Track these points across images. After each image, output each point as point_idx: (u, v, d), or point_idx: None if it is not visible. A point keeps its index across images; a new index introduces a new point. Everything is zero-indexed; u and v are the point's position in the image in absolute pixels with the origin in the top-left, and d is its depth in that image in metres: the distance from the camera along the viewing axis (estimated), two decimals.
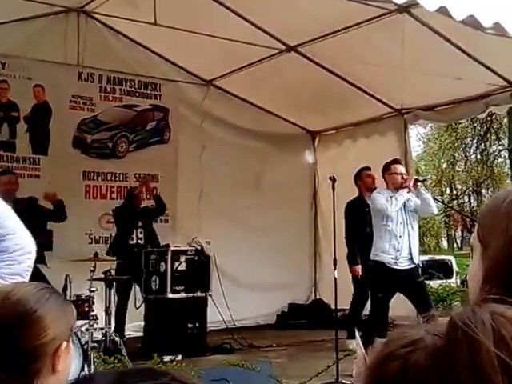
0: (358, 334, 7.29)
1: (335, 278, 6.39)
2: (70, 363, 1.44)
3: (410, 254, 5.83)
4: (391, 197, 5.92)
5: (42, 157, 7.90)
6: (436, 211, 6.05)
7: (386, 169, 6.21)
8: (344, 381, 5.19)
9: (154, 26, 6.74)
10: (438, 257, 16.09)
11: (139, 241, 7.31)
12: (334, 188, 6.80)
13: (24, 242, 2.72)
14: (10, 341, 1.34)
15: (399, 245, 5.81)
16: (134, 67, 8.59)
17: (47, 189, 7.12)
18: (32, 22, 7.65)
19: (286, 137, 9.93)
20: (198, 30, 7.11)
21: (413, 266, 5.82)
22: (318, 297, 9.91)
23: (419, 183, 6.06)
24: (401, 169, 6.15)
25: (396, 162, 6.32)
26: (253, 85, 8.86)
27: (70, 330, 1.43)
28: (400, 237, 5.83)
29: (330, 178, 6.78)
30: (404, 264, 5.80)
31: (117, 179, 8.50)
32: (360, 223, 7.04)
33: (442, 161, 22.17)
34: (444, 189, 24.12)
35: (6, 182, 6.41)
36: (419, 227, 6.47)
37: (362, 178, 7.38)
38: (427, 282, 10.56)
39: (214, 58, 8.32)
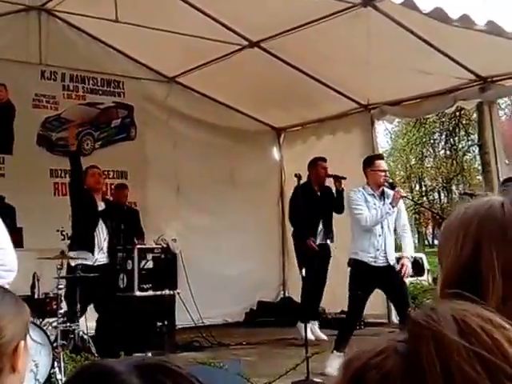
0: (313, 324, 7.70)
1: (303, 277, 6.64)
2: (27, 362, 1.49)
3: (385, 252, 6.00)
4: (370, 195, 6.01)
5: (7, 156, 8.14)
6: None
7: (369, 164, 6.13)
8: (315, 379, 5.30)
9: (116, 23, 6.93)
10: None
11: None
12: (299, 184, 7.12)
13: (10, 259, 2.99)
14: None
15: (378, 244, 5.96)
16: (97, 65, 8.82)
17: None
18: None
19: (252, 133, 10.19)
20: (160, 26, 7.30)
21: (388, 264, 5.99)
22: (287, 295, 10.21)
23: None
24: (384, 166, 6.16)
25: (380, 157, 6.38)
26: (216, 81, 9.05)
27: (26, 329, 1.46)
28: (379, 235, 5.98)
29: (296, 175, 6.99)
30: (381, 261, 5.98)
31: None
32: (305, 206, 7.40)
33: (411, 157, 22.52)
34: (413, 185, 24.54)
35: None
36: None
37: (317, 168, 7.72)
38: None
39: (176, 54, 8.52)
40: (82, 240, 6.61)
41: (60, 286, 5.51)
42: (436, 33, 6.65)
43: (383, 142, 21.76)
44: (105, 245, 6.81)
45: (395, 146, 23.48)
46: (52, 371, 5.05)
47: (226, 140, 9.93)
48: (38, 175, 8.16)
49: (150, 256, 7.23)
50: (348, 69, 7.76)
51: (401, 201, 6.19)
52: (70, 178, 7.09)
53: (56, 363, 5.10)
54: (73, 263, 6.25)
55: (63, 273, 5.81)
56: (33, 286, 5.51)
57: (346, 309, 8.81)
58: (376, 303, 7.42)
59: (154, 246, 7.43)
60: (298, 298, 8.53)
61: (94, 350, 5.73)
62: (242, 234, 9.66)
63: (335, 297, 8.12)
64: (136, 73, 9.24)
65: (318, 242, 7.72)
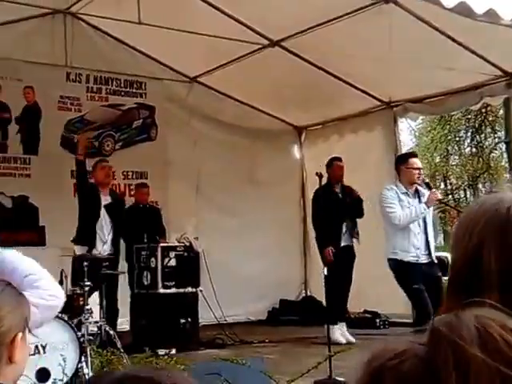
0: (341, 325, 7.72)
1: (325, 275, 6.67)
2: (27, 354, 1.51)
3: (428, 249, 5.93)
4: (404, 193, 5.97)
5: (33, 156, 8.51)
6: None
7: (403, 161, 6.14)
8: (337, 377, 5.30)
9: (139, 25, 7.17)
10: None
11: None
12: (320, 184, 7.25)
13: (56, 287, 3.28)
14: None
15: (418, 243, 5.90)
16: (120, 66, 9.12)
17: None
18: (20, 25, 8.18)
19: (273, 132, 10.35)
20: (182, 27, 7.49)
21: (430, 260, 5.92)
22: (308, 294, 10.36)
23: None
24: (418, 163, 6.12)
25: (414, 155, 6.41)
26: (238, 81, 9.23)
27: (25, 322, 1.49)
28: (418, 233, 5.93)
29: (317, 173, 7.08)
30: (423, 259, 5.90)
31: None
32: (327, 209, 7.56)
33: (436, 155, 22.34)
34: (438, 184, 24.40)
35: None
36: None
37: (333, 168, 7.80)
38: None
39: (198, 54, 8.73)
40: (83, 234, 6.99)
41: (87, 283, 5.73)
42: (460, 28, 6.65)
43: (407, 140, 21.57)
44: (109, 238, 7.14)
45: (419, 143, 23.30)
46: (79, 366, 5.22)
47: (247, 139, 10.11)
48: (61, 176, 8.49)
49: (172, 254, 7.45)
50: (370, 66, 7.80)
51: None
52: (75, 179, 7.64)
53: (83, 358, 5.28)
54: (78, 252, 6.64)
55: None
56: (61, 283, 5.72)
57: (369, 308, 9.00)
58: (400, 303, 7.47)
59: (177, 244, 7.65)
60: (320, 297, 8.61)
61: (119, 345, 5.93)
62: (264, 232, 9.83)
63: (359, 296, 8.23)
64: (158, 73, 9.49)
65: (343, 243, 7.69)
